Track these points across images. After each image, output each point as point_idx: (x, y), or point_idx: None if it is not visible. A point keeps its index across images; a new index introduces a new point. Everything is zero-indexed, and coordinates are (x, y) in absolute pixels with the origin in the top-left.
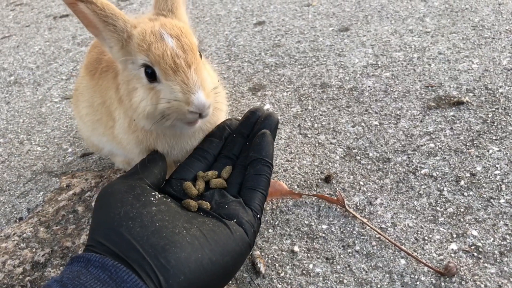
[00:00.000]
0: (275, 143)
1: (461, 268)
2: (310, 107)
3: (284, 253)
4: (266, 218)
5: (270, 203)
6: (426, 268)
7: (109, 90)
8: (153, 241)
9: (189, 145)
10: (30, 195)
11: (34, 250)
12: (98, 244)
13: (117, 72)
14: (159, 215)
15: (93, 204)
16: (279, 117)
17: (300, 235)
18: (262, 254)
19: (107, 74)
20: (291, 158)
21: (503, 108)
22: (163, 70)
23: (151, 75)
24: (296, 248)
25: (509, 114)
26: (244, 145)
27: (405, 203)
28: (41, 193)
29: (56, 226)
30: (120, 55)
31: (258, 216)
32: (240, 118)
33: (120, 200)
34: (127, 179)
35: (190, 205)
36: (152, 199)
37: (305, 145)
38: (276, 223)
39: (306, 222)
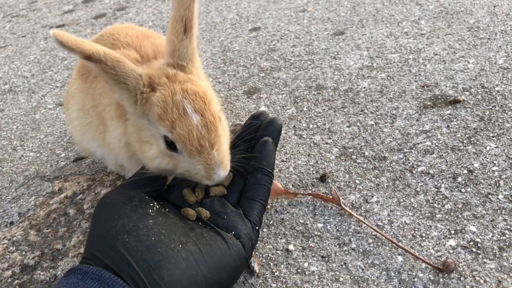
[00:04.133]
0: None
1: (460, 264)
2: (305, 109)
3: (278, 252)
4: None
5: None
6: (424, 265)
7: (104, 96)
8: (147, 257)
9: None
10: (21, 200)
11: (23, 253)
12: (94, 258)
13: None
14: (155, 228)
15: (85, 206)
16: None
17: (295, 234)
18: (256, 253)
19: None
20: (286, 159)
21: (500, 105)
22: (188, 150)
23: (171, 146)
24: (291, 247)
25: (506, 111)
26: (246, 151)
27: (401, 200)
28: (33, 197)
29: (47, 229)
30: (132, 109)
31: (257, 228)
32: (239, 121)
33: (117, 212)
34: (126, 189)
35: (189, 214)
36: (150, 210)
37: (300, 145)
38: (270, 223)
39: (301, 221)
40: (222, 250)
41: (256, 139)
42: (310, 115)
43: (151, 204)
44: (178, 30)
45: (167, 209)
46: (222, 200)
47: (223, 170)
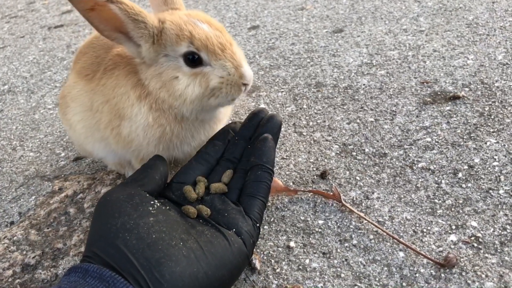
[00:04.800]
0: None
1: (461, 259)
2: (305, 106)
3: (280, 249)
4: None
5: None
6: (425, 260)
7: (119, 88)
8: (148, 254)
9: (205, 137)
10: (22, 200)
11: (24, 252)
12: (94, 256)
13: (131, 69)
14: (156, 226)
15: (85, 205)
16: None
17: (296, 231)
18: (258, 250)
19: (113, 72)
20: (286, 156)
21: (499, 101)
22: (212, 52)
23: (195, 61)
24: (292, 244)
25: (506, 107)
26: (246, 148)
27: (402, 196)
28: (33, 197)
29: (48, 228)
30: (151, 51)
31: (258, 225)
32: (239, 119)
33: (118, 210)
34: (126, 187)
35: (190, 211)
36: (151, 208)
37: (300, 142)
38: (271, 220)
39: (302, 218)
40: (223, 247)
41: (256, 136)
42: (310, 113)
43: (152, 202)
44: None
45: (167, 207)
46: (223, 197)
47: (248, 65)
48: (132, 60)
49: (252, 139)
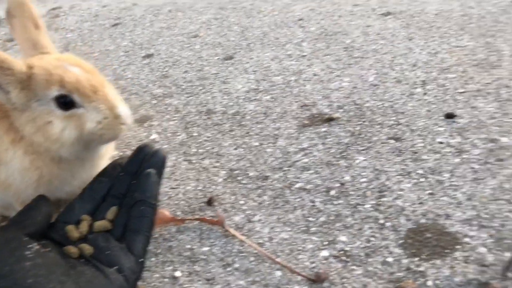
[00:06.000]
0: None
1: (332, 273)
2: (195, 134)
3: (166, 279)
4: (149, 247)
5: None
6: (299, 277)
7: None
8: None
9: (87, 175)
10: None
11: None
12: None
13: (2, 114)
14: (33, 270)
15: None
16: (166, 146)
17: (182, 260)
18: (144, 283)
19: None
20: (176, 185)
21: (368, 120)
22: (83, 94)
23: (67, 104)
24: (177, 273)
25: (374, 125)
26: (131, 183)
27: (281, 217)
28: None
29: None
30: (21, 97)
31: (141, 260)
32: (130, 151)
33: None
34: (6, 231)
35: (71, 252)
36: (28, 252)
37: (189, 170)
38: (158, 251)
39: (188, 247)
40: (104, 285)
41: (140, 171)
42: (199, 140)
43: (29, 246)
44: (29, 28)
45: (49, 248)
46: (107, 236)
47: (123, 104)
48: (3, 105)
49: (138, 174)
